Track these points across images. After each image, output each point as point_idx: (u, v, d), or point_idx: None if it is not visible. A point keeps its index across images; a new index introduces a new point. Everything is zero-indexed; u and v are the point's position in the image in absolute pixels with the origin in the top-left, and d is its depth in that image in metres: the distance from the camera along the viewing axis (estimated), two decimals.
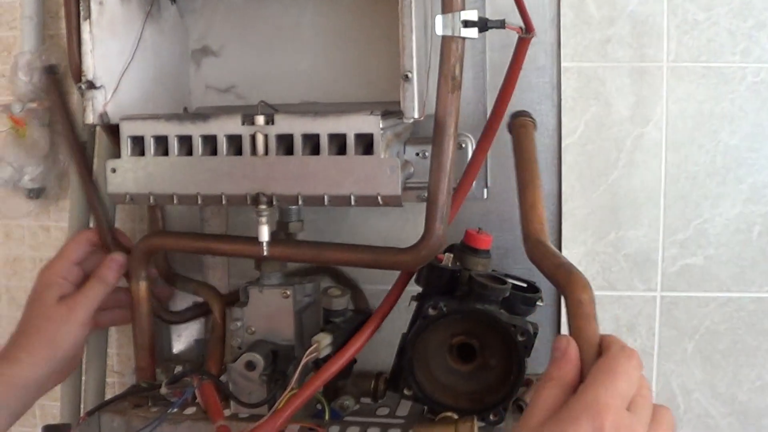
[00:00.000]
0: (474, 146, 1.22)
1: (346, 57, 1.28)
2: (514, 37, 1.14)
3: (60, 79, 1.38)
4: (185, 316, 1.37)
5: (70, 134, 1.27)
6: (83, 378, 1.42)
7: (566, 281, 0.91)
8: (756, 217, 1.27)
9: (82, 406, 1.43)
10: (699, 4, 1.25)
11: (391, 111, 1.04)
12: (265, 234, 1.06)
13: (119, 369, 1.55)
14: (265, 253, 1.07)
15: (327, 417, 1.12)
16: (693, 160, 1.27)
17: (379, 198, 1.02)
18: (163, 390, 1.16)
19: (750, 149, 1.26)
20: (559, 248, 1.29)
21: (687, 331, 1.30)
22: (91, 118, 1.10)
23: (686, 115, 1.27)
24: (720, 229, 1.28)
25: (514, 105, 1.23)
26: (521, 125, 1.13)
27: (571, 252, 1.29)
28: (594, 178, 1.29)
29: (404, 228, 1.29)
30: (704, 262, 1.29)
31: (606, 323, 1.30)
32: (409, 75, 0.99)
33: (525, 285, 1.16)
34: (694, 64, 1.26)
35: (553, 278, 0.94)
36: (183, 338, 1.42)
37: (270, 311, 1.16)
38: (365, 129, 1.01)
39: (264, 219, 1.06)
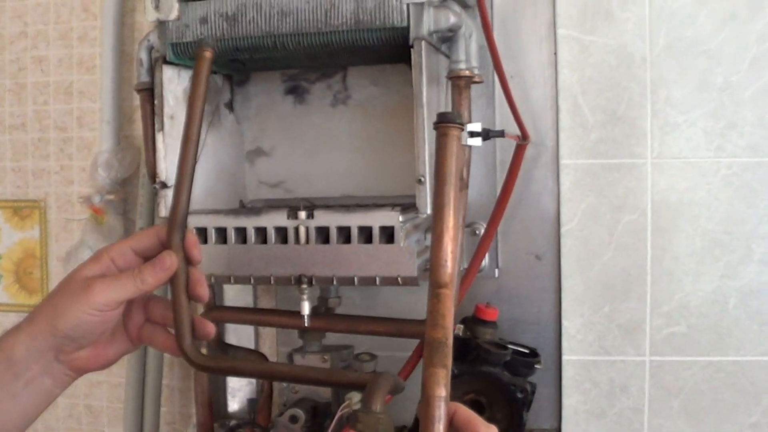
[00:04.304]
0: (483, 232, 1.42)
1: (376, 157, 1.48)
2: (513, 143, 1.36)
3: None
4: None
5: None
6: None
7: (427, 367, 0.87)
8: (731, 290, 1.44)
9: None
10: (678, 109, 1.44)
11: (410, 206, 1.24)
12: (306, 308, 1.26)
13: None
14: (306, 325, 1.27)
15: None
16: (675, 242, 1.45)
17: (399, 279, 1.22)
18: None
19: (725, 232, 1.44)
20: (559, 320, 1.48)
21: (673, 390, 1.47)
22: (164, 212, 1.30)
23: (669, 204, 1.45)
24: (700, 301, 1.45)
25: (519, 198, 1.45)
26: (441, 134, 0.91)
27: (571, 322, 1.48)
28: (589, 259, 1.47)
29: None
30: (687, 330, 1.46)
31: (602, 385, 1.48)
32: (422, 179, 1.19)
33: (527, 351, 1.37)
34: (675, 159, 1.45)
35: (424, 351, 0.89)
36: (237, 398, 1.62)
37: None
38: (387, 222, 1.21)
39: (305, 296, 1.26)
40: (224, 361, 1.15)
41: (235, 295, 1.59)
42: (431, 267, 0.86)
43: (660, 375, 1.47)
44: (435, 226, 0.86)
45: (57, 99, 1.75)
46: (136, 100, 1.69)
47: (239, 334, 1.59)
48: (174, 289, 1.02)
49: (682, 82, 1.44)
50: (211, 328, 1.05)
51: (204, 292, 1.04)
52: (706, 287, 1.45)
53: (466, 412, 0.82)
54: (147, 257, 1.02)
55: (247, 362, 1.21)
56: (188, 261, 1.02)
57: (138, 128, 1.69)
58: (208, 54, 1.07)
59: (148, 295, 1.04)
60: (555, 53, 1.48)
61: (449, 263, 0.86)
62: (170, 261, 1.00)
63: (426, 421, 0.80)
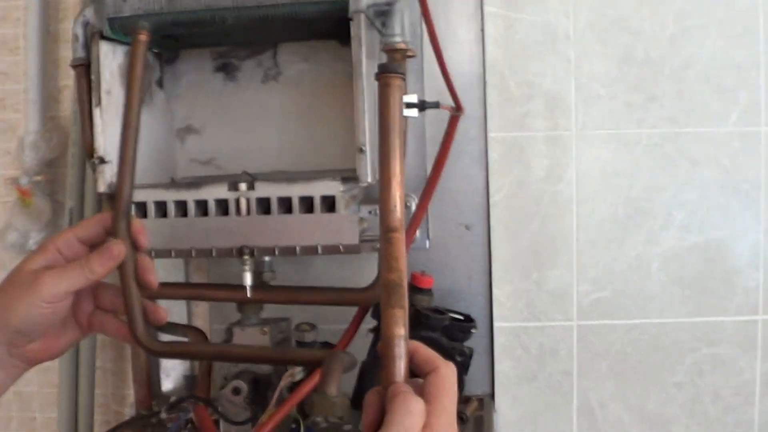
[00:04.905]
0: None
1: (308, 133, 1.49)
2: (447, 113, 1.39)
3: None
4: None
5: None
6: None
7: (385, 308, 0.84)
8: (653, 256, 1.51)
9: None
10: (601, 82, 1.50)
11: (349, 177, 1.26)
12: (248, 280, 1.28)
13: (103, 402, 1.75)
14: (249, 296, 1.29)
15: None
16: (599, 210, 1.51)
17: (340, 247, 1.24)
18: (163, 415, 1.37)
19: (647, 200, 1.50)
20: (490, 287, 1.53)
21: (600, 353, 1.53)
22: (102, 188, 1.29)
23: (592, 174, 1.51)
24: (624, 267, 1.52)
25: (449, 170, 1.47)
26: (384, 84, 0.91)
27: (501, 290, 1.52)
28: (518, 228, 1.52)
29: (361, 274, 1.48)
30: (612, 295, 1.52)
31: (532, 350, 1.53)
32: (363, 148, 1.22)
33: (462, 317, 1.40)
34: (598, 131, 1.50)
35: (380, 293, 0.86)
36: (171, 377, 1.62)
37: None
38: (328, 192, 1.24)
39: (247, 267, 1.27)
40: (178, 345, 1.16)
41: (167, 273, 1.58)
42: (381, 213, 0.87)
43: (588, 339, 1.53)
44: (382, 172, 0.88)
45: None
46: (62, 80, 1.68)
47: (170, 311, 1.58)
48: (123, 276, 1.02)
49: (604, 57, 1.50)
50: (163, 314, 1.07)
51: (153, 278, 1.06)
52: (630, 253, 1.51)
53: (425, 350, 0.84)
54: (93, 245, 1.02)
55: (201, 345, 1.22)
56: (135, 248, 1.03)
57: (64, 109, 1.68)
58: (143, 37, 1.07)
59: (97, 283, 1.03)
60: (482, 30, 1.52)
61: (398, 207, 0.87)
62: (118, 249, 1.00)
63: (387, 360, 0.81)
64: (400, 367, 0.82)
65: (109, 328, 1.06)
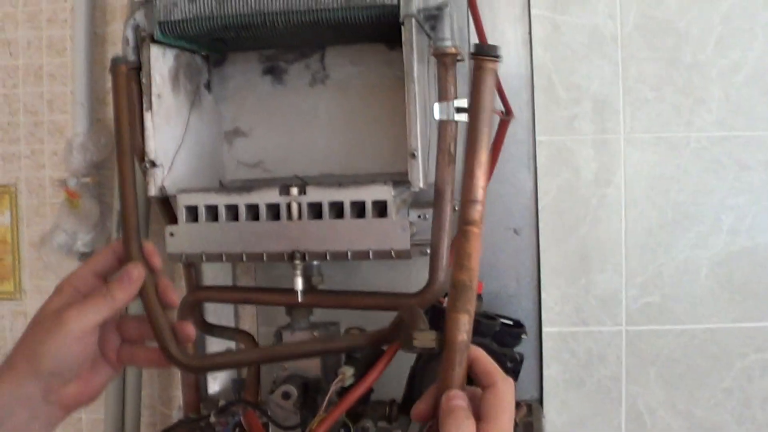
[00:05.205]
0: None
1: (355, 135, 1.50)
2: (497, 118, 1.39)
3: None
4: None
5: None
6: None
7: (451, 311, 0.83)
8: (702, 260, 1.50)
9: None
10: (649, 85, 1.49)
11: (399, 181, 1.26)
12: (299, 284, 1.28)
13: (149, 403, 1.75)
14: (300, 300, 1.29)
15: None
16: (648, 214, 1.50)
17: (392, 252, 1.24)
18: (213, 419, 1.38)
19: (695, 204, 1.49)
20: (539, 292, 1.52)
21: (649, 358, 1.52)
22: (153, 191, 1.30)
23: (641, 178, 1.50)
24: (673, 271, 1.50)
25: (497, 174, 1.47)
26: (477, 67, 0.83)
27: (549, 294, 1.52)
28: (566, 232, 1.52)
29: (408, 279, 1.50)
30: (661, 300, 1.51)
31: (580, 355, 1.52)
32: (415, 153, 1.22)
33: (512, 323, 1.40)
34: (646, 134, 1.49)
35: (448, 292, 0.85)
36: (218, 380, 1.63)
37: None
38: (380, 196, 1.24)
39: (298, 272, 1.28)
40: (217, 357, 1.15)
41: (214, 276, 1.59)
42: (461, 203, 0.84)
43: (636, 344, 1.52)
44: (468, 160, 0.82)
45: (26, 82, 1.73)
46: (110, 82, 1.67)
47: (218, 315, 1.60)
48: (145, 299, 1.00)
49: (651, 59, 1.49)
50: (191, 330, 1.03)
51: (174, 297, 1.03)
52: (678, 257, 1.50)
53: (486, 362, 0.83)
54: (108, 276, 1.01)
55: (241, 353, 1.21)
56: (150, 270, 1.01)
57: (112, 111, 1.69)
58: (123, 68, 1.08)
59: (120, 316, 1.02)
60: (529, 33, 1.51)
61: (480, 199, 0.82)
62: (137, 272, 0.98)
63: (447, 364, 0.81)
64: (459, 374, 0.81)
65: (139, 359, 1.04)
